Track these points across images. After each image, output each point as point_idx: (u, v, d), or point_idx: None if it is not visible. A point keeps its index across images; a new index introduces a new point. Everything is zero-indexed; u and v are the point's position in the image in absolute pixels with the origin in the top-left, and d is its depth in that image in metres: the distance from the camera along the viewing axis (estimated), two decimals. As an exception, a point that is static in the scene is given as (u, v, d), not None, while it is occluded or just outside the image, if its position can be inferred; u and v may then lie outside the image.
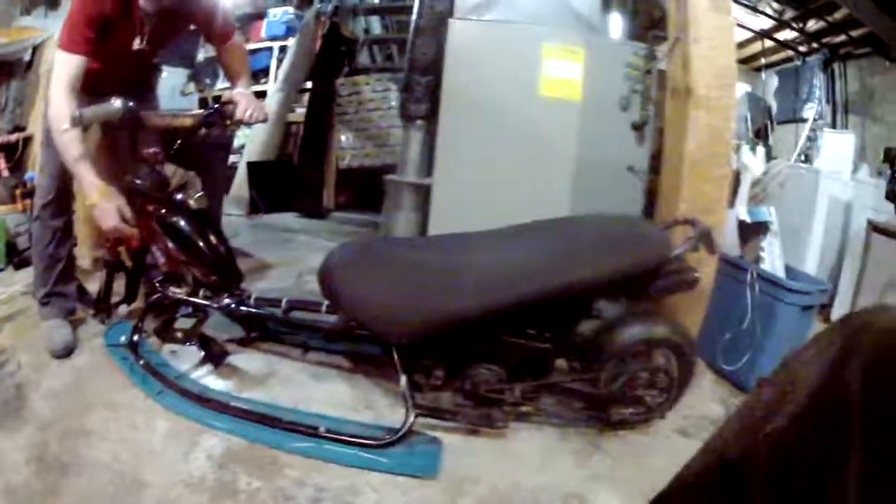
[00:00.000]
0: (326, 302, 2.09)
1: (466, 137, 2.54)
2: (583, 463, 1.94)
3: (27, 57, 3.82)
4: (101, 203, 2.00)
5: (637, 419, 2.05)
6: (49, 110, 2.02)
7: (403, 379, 1.90)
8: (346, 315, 2.04)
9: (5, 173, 3.53)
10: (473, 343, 1.94)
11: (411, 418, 1.87)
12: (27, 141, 3.69)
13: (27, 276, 2.90)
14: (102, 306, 2.39)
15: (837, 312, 3.18)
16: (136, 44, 2.18)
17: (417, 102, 2.71)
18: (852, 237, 3.28)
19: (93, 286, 2.61)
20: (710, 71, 2.30)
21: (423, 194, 2.70)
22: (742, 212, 2.56)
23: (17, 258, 3.23)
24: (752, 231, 2.60)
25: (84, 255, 3.03)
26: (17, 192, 3.45)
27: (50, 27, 3.81)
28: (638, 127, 2.56)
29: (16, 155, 3.65)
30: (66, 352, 2.34)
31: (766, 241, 2.60)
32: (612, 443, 2.03)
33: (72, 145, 1.98)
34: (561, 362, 2.09)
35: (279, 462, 1.84)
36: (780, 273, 2.58)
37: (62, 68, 2.01)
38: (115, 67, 2.20)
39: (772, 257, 2.61)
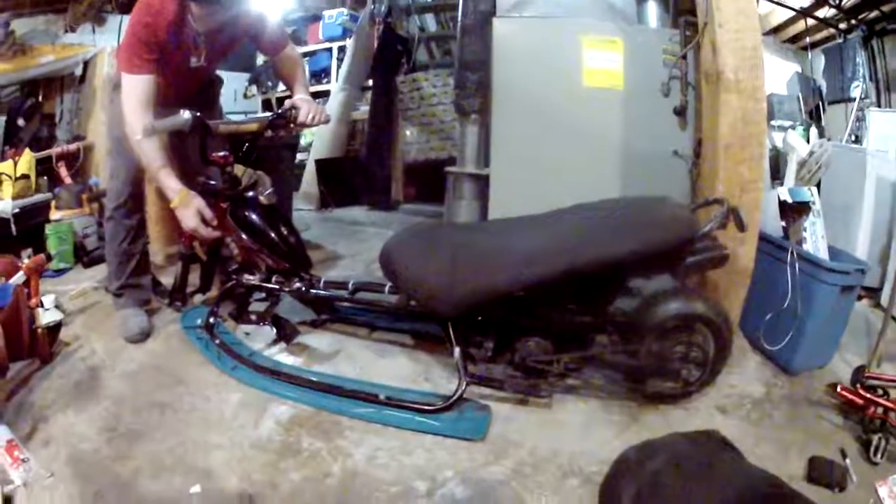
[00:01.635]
0: (388, 283, 2.27)
1: (518, 129, 2.67)
2: (621, 433, 2.05)
3: (79, 71, 4.06)
4: (182, 206, 2.16)
5: (674, 393, 2.14)
6: (126, 128, 2.17)
7: (456, 350, 2.07)
8: (404, 293, 2.21)
9: (68, 180, 3.75)
10: (520, 317, 2.09)
11: (463, 386, 2.04)
12: (87, 149, 3.94)
13: (96, 273, 3.17)
14: (178, 296, 2.58)
15: (885, 296, 3.13)
16: (194, 62, 2.34)
17: (470, 98, 2.86)
18: (898, 219, 3.23)
19: (166, 280, 2.79)
20: (737, 54, 2.35)
21: (482, 184, 2.86)
22: (783, 192, 2.59)
23: (86, 257, 3.46)
24: (795, 211, 2.62)
25: (157, 252, 3.24)
26: (84, 196, 3.66)
27: (99, 42, 4.09)
28: (679, 112, 2.63)
29: (77, 163, 3.89)
30: (142, 337, 2.53)
31: (809, 222, 2.62)
32: (651, 416, 2.13)
33: (153, 155, 2.14)
34: (603, 337, 2.19)
35: (341, 426, 2.03)
36: (823, 254, 2.59)
37: (130, 89, 2.15)
38: (177, 84, 2.37)
39: (814, 238, 2.62)
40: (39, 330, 2.34)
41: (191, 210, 2.16)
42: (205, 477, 1.83)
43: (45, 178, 3.75)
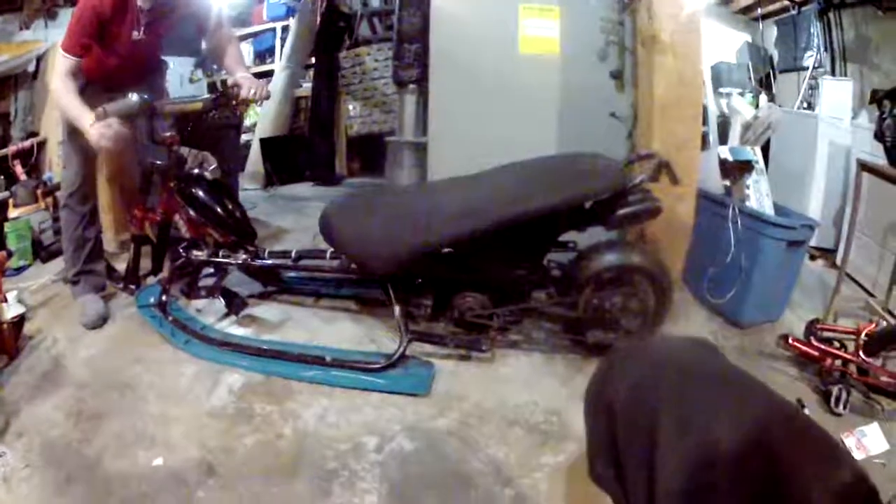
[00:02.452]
0: (330, 249, 2.31)
1: (455, 97, 2.71)
2: (566, 384, 2.10)
3: (31, 68, 4.02)
4: (95, 126, 2.13)
5: (616, 343, 2.17)
6: (53, 94, 2.31)
7: (397, 309, 2.11)
8: (344, 256, 2.25)
9: (24, 177, 3.71)
10: (456, 274, 2.14)
11: (405, 343, 2.08)
12: (41, 145, 3.89)
13: (55, 267, 3.15)
14: (132, 279, 2.61)
15: (840, 256, 3.20)
16: (135, 35, 2.36)
17: (408, 68, 2.91)
18: (852, 181, 3.31)
19: (121, 266, 2.80)
20: (674, 18, 2.42)
21: (421, 152, 2.90)
22: (724, 150, 2.65)
23: (43, 252, 3.42)
24: (737, 170, 2.68)
25: (111, 240, 3.25)
26: (39, 192, 3.63)
27: (51, 37, 4.02)
28: (616, 76, 2.68)
29: (31, 159, 3.83)
30: (100, 321, 2.55)
31: (752, 180, 2.68)
32: (595, 366, 2.16)
33: (67, 98, 2.25)
34: (540, 291, 2.22)
35: (290, 390, 2.07)
36: (769, 211, 2.65)
37: (61, 65, 2.30)
38: (122, 60, 2.38)
39: (758, 195, 2.68)
40: (4, 325, 2.34)
41: (104, 126, 2.14)
42: (166, 449, 1.86)
43: (2, 177, 3.74)
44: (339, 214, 2.17)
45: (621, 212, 2.02)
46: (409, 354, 2.12)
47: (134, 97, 2.18)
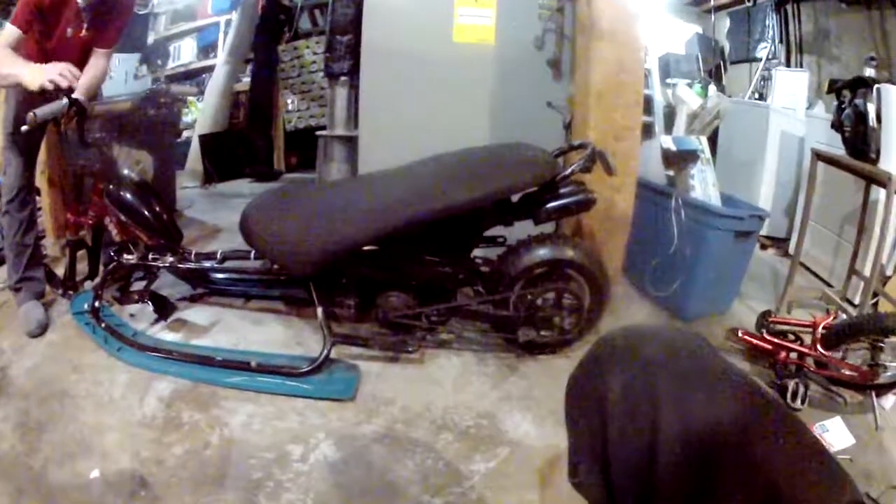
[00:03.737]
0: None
1: (387, 89, 2.67)
2: (498, 385, 2.06)
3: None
4: (37, 71, 2.09)
5: (550, 341, 2.15)
6: None
7: (320, 311, 2.06)
8: (263, 255, 2.21)
9: (-25, 183, 3.71)
10: (379, 273, 2.09)
11: (328, 346, 2.03)
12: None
13: (3, 274, 3.08)
14: (69, 284, 2.57)
15: (793, 245, 3.19)
16: (69, 32, 2.33)
17: (339, 61, 2.87)
18: (805, 171, 3.30)
19: (61, 271, 2.74)
20: (614, 5, 2.36)
21: (352, 146, 2.86)
22: (667, 140, 2.61)
23: (-7, 259, 3.40)
24: (681, 160, 2.64)
25: (53, 244, 3.19)
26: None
27: None
28: (554, 64, 2.64)
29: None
30: (41, 329, 2.50)
31: (697, 170, 2.64)
32: (530, 366, 2.14)
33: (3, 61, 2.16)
34: (468, 288, 2.20)
35: (217, 396, 2.03)
36: (715, 201, 2.62)
37: (5, 32, 2.22)
38: (57, 54, 2.31)
39: (704, 185, 2.64)
40: None
41: (45, 68, 2.11)
42: (102, 459, 1.84)
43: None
44: (257, 214, 2.11)
45: (551, 205, 1.98)
46: (335, 357, 2.07)
47: (64, 100, 2.14)
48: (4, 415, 2.05)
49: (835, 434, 1.89)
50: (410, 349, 2.06)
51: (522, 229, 2.13)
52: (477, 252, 2.17)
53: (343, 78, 2.86)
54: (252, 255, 2.25)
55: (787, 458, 0.91)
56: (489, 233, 2.16)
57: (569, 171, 1.99)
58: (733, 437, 0.88)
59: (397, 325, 2.08)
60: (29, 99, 2.15)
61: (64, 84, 2.11)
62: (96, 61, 2.48)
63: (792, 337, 2.21)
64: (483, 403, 1.98)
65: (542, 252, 2.04)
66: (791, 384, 2.03)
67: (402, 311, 2.05)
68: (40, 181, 3.02)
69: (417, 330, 2.09)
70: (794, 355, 2.13)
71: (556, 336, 2.13)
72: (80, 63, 2.46)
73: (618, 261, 2.50)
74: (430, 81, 2.61)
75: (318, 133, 3.02)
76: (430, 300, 2.08)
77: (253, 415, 1.94)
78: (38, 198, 3.02)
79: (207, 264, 2.32)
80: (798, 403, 2.01)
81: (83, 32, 2.38)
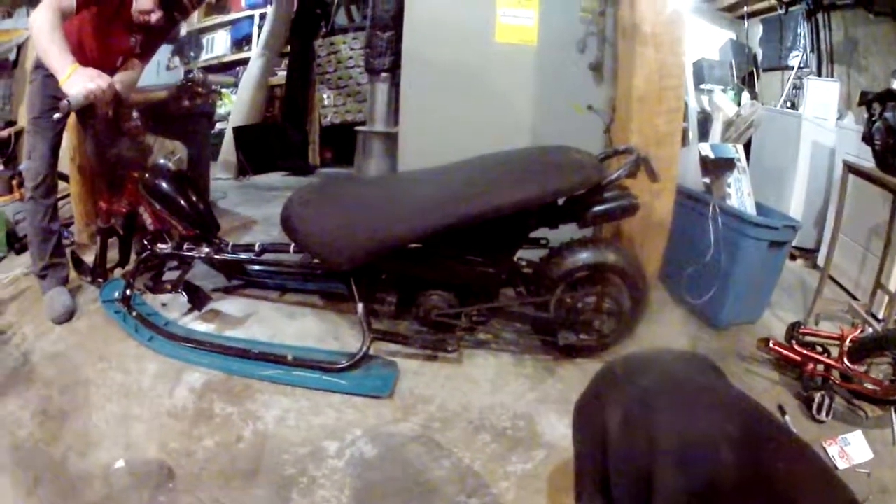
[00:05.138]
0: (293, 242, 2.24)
1: (428, 87, 2.63)
2: (535, 387, 2.04)
3: (12, 56, 3.97)
4: (74, 74, 1.99)
5: (589, 345, 2.13)
6: (34, 27, 2.03)
7: (360, 307, 2.05)
8: (304, 249, 2.18)
9: (0, 167, 3.68)
10: (422, 271, 2.07)
11: (367, 343, 2.01)
12: (19, 134, 3.83)
13: (27, 258, 3.03)
14: (99, 272, 2.56)
15: (822, 256, 3.17)
16: (132, 42, 2.34)
17: (380, 57, 2.84)
18: (835, 182, 3.28)
19: (89, 258, 2.74)
20: (656, 9, 2.34)
21: (391, 142, 2.83)
22: (705, 147, 2.59)
23: (17, 244, 3.35)
24: (718, 167, 2.63)
25: (81, 231, 3.19)
26: (14, 182, 3.60)
27: None
28: (595, 67, 2.61)
29: (9, 149, 3.80)
30: (67, 316, 2.49)
31: (733, 178, 2.63)
32: (567, 369, 2.12)
33: (50, 35, 2.00)
34: (509, 289, 2.18)
35: (251, 389, 2.01)
36: (750, 210, 2.60)
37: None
38: (102, 58, 2.30)
39: (739, 193, 2.63)
40: None
41: (84, 73, 2.01)
42: (127, 450, 1.83)
43: (-20, 168, 3.68)
44: (300, 207, 2.09)
45: (596, 209, 1.95)
46: (373, 354, 2.06)
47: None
48: (24, 402, 2.05)
49: (855, 448, 1.89)
50: (450, 348, 2.04)
51: (563, 232, 2.11)
52: (519, 253, 2.14)
53: (384, 74, 2.85)
54: (291, 248, 2.23)
55: (789, 479, 0.91)
56: (532, 234, 2.13)
57: (614, 175, 1.97)
58: (732, 464, 0.90)
59: (437, 324, 2.06)
60: (56, 83, 2.06)
61: (104, 103, 2.07)
62: (132, 68, 2.47)
63: (820, 349, 2.19)
64: (520, 405, 1.96)
65: (585, 256, 2.02)
66: (817, 396, 2.01)
67: (443, 310, 2.03)
68: (69, 168, 3.01)
69: (457, 329, 2.07)
70: (821, 367, 2.11)
71: (594, 340, 2.11)
72: (115, 68, 2.45)
73: (655, 266, 2.48)
74: (472, 81, 2.58)
75: (358, 129, 3.00)
76: (471, 300, 2.06)
77: (288, 409, 1.93)
78: (65, 184, 3.03)
79: (245, 256, 2.30)
80: (823, 415, 2.00)
81: (133, 43, 2.37)
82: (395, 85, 2.83)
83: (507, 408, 1.94)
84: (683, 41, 2.43)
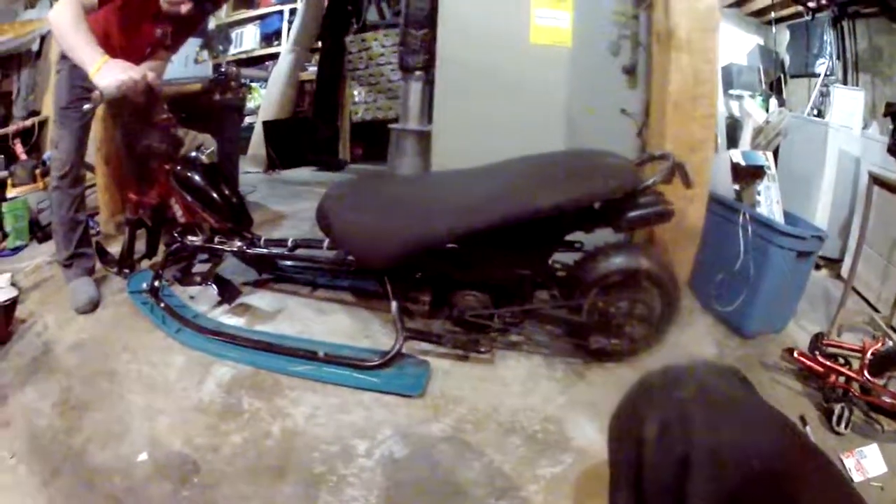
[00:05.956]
0: (327, 239, 2.23)
1: (462, 86, 2.62)
2: (565, 390, 2.03)
3: (35, 47, 3.96)
4: (104, 67, 1.96)
5: (620, 350, 2.11)
6: (55, 22, 1.99)
7: (394, 305, 2.05)
8: (340, 247, 2.18)
9: (23, 156, 3.67)
10: (457, 271, 2.06)
11: (400, 341, 2.01)
12: (42, 125, 3.83)
13: (50, 248, 3.05)
14: (126, 262, 2.58)
15: (846, 267, 3.14)
16: (158, 33, 2.33)
17: (414, 54, 2.82)
18: (860, 192, 3.25)
19: (114, 249, 2.76)
20: (691, 14, 2.33)
21: (425, 141, 2.81)
22: (736, 154, 2.58)
23: (40, 233, 3.39)
24: (748, 175, 2.61)
25: (107, 221, 3.22)
26: (37, 172, 3.60)
27: None
28: (629, 71, 2.60)
29: (32, 138, 3.78)
30: (92, 306, 2.50)
31: (763, 185, 2.61)
32: (597, 373, 2.11)
33: (76, 28, 1.96)
34: (543, 292, 2.16)
35: (280, 385, 2.01)
36: (779, 218, 2.58)
37: None
38: (128, 50, 2.29)
39: (769, 202, 2.61)
40: None
41: (115, 65, 1.99)
42: (150, 443, 1.82)
43: (2, 156, 3.69)
44: (335, 204, 2.09)
45: (632, 214, 1.93)
46: (405, 352, 2.05)
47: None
48: (44, 391, 2.05)
49: (871, 461, 1.88)
50: (483, 349, 2.03)
51: (597, 235, 2.10)
52: (554, 255, 2.13)
53: (417, 73, 2.83)
54: (325, 244, 2.23)
55: (815, 491, 0.94)
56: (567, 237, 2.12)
57: (650, 181, 1.95)
58: (763, 472, 0.94)
59: (470, 324, 2.05)
60: (83, 73, 2.03)
61: (136, 94, 2.06)
62: (159, 59, 2.47)
63: (842, 361, 2.18)
64: (550, 408, 1.95)
65: (619, 261, 2.01)
66: (837, 408, 2.01)
67: (477, 311, 2.02)
68: (96, 158, 3.03)
69: (490, 330, 2.06)
70: (842, 379, 2.10)
71: (625, 345, 2.10)
72: (142, 59, 2.45)
73: (685, 272, 2.47)
74: (506, 81, 2.56)
75: (391, 126, 2.99)
76: (504, 301, 2.05)
77: (317, 406, 1.92)
78: (91, 174, 3.04)
79: (277, 251, 2.30)
80: (842, 427, 1.98)
81: (159, 35, 2.36)
82: (428, 83, 2.81)
83: (538, 410, 1.93)
84: (717, 48, 2.42)
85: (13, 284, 2.67)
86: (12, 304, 2.44)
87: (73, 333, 2.38)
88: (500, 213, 1.84)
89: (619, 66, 2.59)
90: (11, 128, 3.74)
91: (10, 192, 3.53)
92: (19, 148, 3.70)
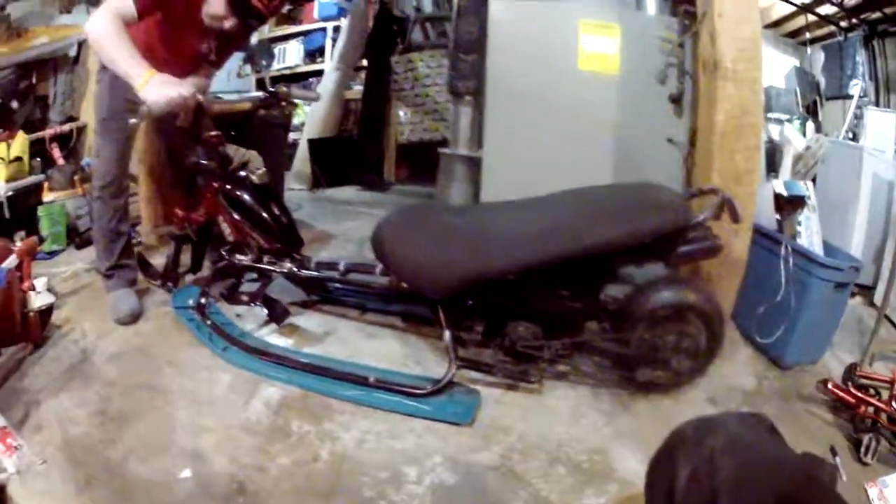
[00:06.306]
0: (379, 264, 2.25)
1: (512, 112, 2.64)
2: (610, 421, 2.04)
3: (73, 53, 3.99)
4: (152, 81, 1.95)
5: (665, 382, 2.13)
6: (95, 36, 1.98)
7: (447, 334, 2.06)
8: (395, 275, 2.20)
9: (61, 161, 3.71)
10: (511, 302, 2.08)
11: (453, 370, 2.03)
12: (80, 130, 3.89)
13: (87, 254, 3.12)
14: (170, 276, 2.59)
15: (879, 294, 3.13)
16: (204, 49, 2.34)
17: (464, 79, 2.81)
18: (894, 217, 3.24)
19: (156, 261, 2.78)
20: (736, 44, 2.33)
21: (475, 166, 2.82)
22: (779, 185, 2.58)
23: (77, 239, 3.43)
24: (790, 205, 2.61)
25: (149, 233, 3.23)
26: (76, 177, 3.63)
27: None
28: (675, 100, 2.61)
29: (70, 143, 3.83)
30: (132, 318, 2.51)
31: (804, 216, 2.61)
32: (641, 405, 2.12)
33: (117, 43, 1.94)
34: (593, 324, 2.19)
35: (330, 409, 2.02)
36: (818, 249, 2.58)
37: (113, 4, 1.98)
38: (173, 63, 2.28)
39: (809, 232, 2.61)
40: (31, 314, 2.31)
41: (163, 80, 1.99)
42: (194, 460, 1.82)
43: (39, 159, 3.72)
44: (394, 231, 2.12)
45: (683, 249, 1.97)
46: (455, 381, 2.07)
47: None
48: (80, 400, 2.06)
49: (893, 490, 1.88)
50: (533, 379, 2.05)
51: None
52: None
53: (467, 97, 2.84)
54: (378, 270, 2.25)
55: None
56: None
57: (701, 217, 1.98)
58: None
59: (520, 354, 2.07)
60: (126, 85, 2.01)
61: (185, 111, 2.07)
62: (204, 75, 2.48)
63: (872, 391, 2.19)
64: (596, 438, 1.96)
65: (668, 295, 2.03)
66: (865, 438, 2.02)
67: (529, 342, 2.04)
68: (138, 170, 3.05)
69: (540, 360, 2.08)
70: (871, 409, 2.11)
71: (670, 378, 2.12)
72: (186, 74, 2.43)
73: (729, 304, 2.47)
74: (555, 108, 2.58)
75: (441, 150, 3.00)
76: (555, 332, 2.08)
77: (367, 431, 1.93)
78: (133, 185, 3.06)
79: (328, 275, 2.32)
80: (869, 458, 1.99)
81: (205, 49, 2.37)
82: (478, 108, 2.82)
83: (584, 441, 1.94)
84: (761, 77, 2.42)
85: (49, 290, 2.68)
86: (49, 308, 2.46)
87: (112, 344, 2.39)
88: (557, 249, 1.87)
89: (666, 94, 2.60)
90: (48, 131, 3.78)
91: (47, 196, 3.57)
92: (56, 152, 3.73)
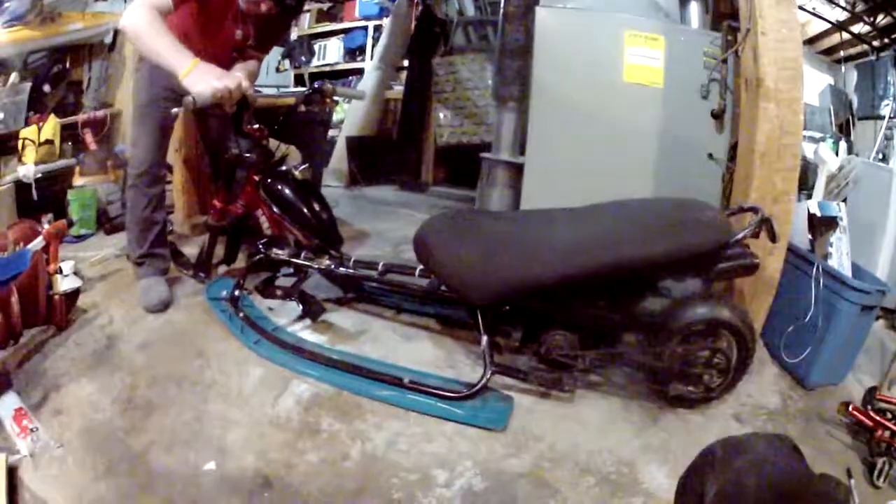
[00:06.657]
0: (420, 266, 2.27)
1: (556, 120, 2.64)
2: (639, 434, 2.05)
3: (108, 39, 4.04)
4: (195, 71, 1.96)
5: (694, 397, 2.14)
6: (133, 28, 1.98)
7: (484, 339, 2.06)
8: (436, 278, 2.21)
9: (94, 147, 3.75)
10: (549, 310, 2.09)
11: (488, 375, 2.03)
12: (114, 117, 3.94)
13: (118, 240, 3.14)
14: (203, 267, 2.61)
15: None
16: (239, 35, 2.34)
17: (509, 85, 2.82)
18: (919, 241, 3.23)
19: (189, 250, 2.79)
20: (778, 63, 2.33)
21: (516, 172, 2.83)
22: (813, 205, 2.58)
23: (108, 224, 3.48)
24: (823, 225, 2.61)
25: (183, 222, 3.25)
26: (109, 163, 3.71)
27: None
28: (717, 115, 2.61)
29: (104, 129, 3.88)
30: (162, 307, 2.52)
31: (836, 237, 2.61)
32: (670, 419, 2.13)
33: (156, 33, 1.94)
34: (629, 336, 2.20)
35: (362, 408, 2.02)
36: (847, 271, 2.58)
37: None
38: (215, 52, 2.30)
39: (839, 253, 2.61)
40: (56, 296, 2.33)
41: (208, 71, 2.00)
42: (220, 453, 1.83)
43: (70, 144, 3.76)
44: (437, 235, 2.13)
45: (721, 266, 1.98)
46: (489, 386, 2.08)
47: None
48: (104, 386, 2.06)
49: None
50: (566, 388, 2.06)
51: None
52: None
53: (512, 103, 2.84)
54: (417, 271, 2.26)
55: None
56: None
57: (741, 235, 1.99)
58: None
59: (555, 363, 2.08)
60: (166, 74, 2.03)
61: (230, 103, 2.06)
62: (251, 62, 2.47)
63: (890, 415, 2.20)
64: (625, 450, 1.97)
65: (703, 311, 2.03)
66: (879, 462, 2.03)
67: (566, 351, 2.05)
68: (174, 158, 3.07)
69: (574, 370, 2.09)
70: (887, 433, 2.12)
71: (700, 393, 2.13)
72: (229, 61, 2.45)
73: (760, 322, 2.48)
74: (599, 118, 2.59)
75: (483, 155, 3.00)
76: (592, 342, 2.09)
77: (399, 433, 1.94)
78: (168, 174, 3.09)
79: (366, 274, 2.33)
80: (881, 481, 2.00)
81: (251, 42, 2.37)
82: (521, 114, 2.82)
83: (613, 452, 1.95)
84: (802, 98, 2.42)
85: (76, 273, 2.66)
86: (75, 292, 2.47)
87: (140, 332, 2.39)
88: (601, 261, 1.88)
89: (708, 109, 2.60)
90: (81, 116, 3.81)
91: (78, 181, 3.61)
92: (89, 137, 3.76)
